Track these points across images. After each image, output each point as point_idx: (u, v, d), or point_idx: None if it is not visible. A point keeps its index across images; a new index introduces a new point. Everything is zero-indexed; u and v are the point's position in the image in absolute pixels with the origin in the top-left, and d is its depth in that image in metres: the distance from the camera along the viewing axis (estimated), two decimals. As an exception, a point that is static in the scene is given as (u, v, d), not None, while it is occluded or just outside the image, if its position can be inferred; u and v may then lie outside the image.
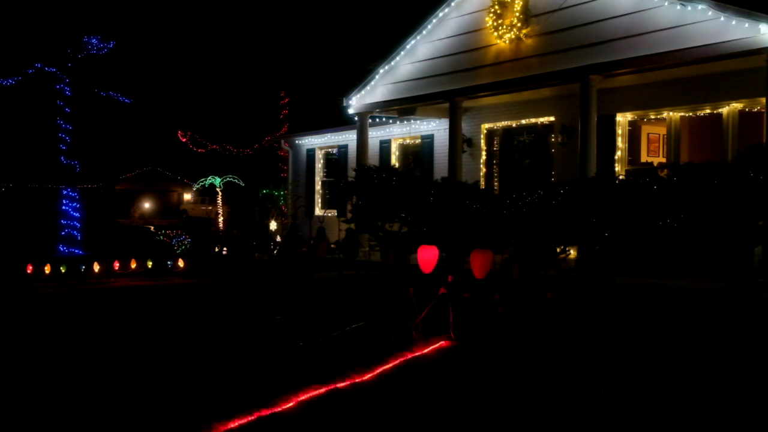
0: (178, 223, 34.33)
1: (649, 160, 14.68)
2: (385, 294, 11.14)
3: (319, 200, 21.72)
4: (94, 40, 20.74)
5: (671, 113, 12.91)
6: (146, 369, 7.62)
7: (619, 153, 13.67)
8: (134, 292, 13.87)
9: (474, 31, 13.89)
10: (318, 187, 21.77)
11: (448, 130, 15.42)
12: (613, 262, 9.59)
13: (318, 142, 21.73)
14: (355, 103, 16.42)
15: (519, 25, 12.85)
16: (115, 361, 8.01)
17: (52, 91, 21.00)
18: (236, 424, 5.86)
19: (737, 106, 12.22)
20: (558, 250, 10.32)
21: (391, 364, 7.78)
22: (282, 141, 23.52)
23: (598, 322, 8.85)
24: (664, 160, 14.06)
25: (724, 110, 12.34)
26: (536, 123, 15.34)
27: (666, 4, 10.82)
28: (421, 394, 6.76)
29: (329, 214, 20.53)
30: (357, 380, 7.15)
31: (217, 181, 25.82)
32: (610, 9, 11.66)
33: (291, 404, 6.36)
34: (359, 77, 16.73)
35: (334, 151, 21.23)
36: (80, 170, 21.37)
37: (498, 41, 13.31)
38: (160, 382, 7.06)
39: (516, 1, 12.87)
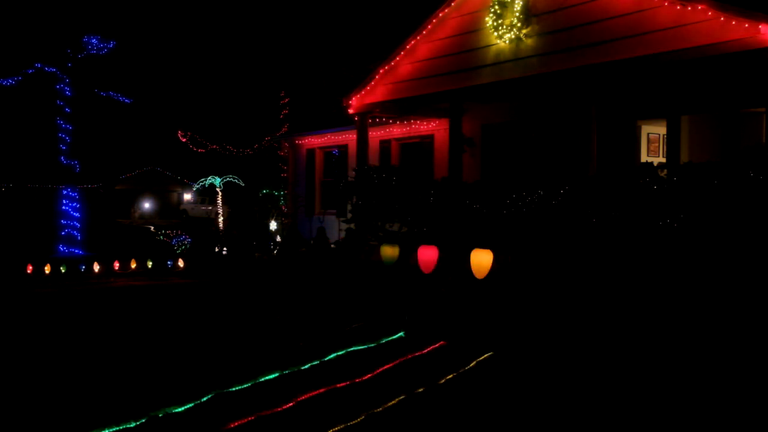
0: (178, 223, 34.33)
1: (649, 160, 14.66)
2: (384, 294, 11.14)
3: (319, 200, 21.71)
4: (94, 40, 20.74)
5: (671, 112, 12.89)
6: (145, 370, 7.62)
7: (619, 152, 13.65)
8: (134, 291, 13.88)
9: (474, 31, 13.87)
10: (318, 187, 21.77)
11: (448, 130, 15.41)
12: (613, 262, 9.59)
13: (318, 142, 21.72)
14: (355, 103, 16.41)
15: (519, 25, 12.83)
16: (115, 361, 8.01)
17: (52, 91, 21.00)
18: (236, 423, 5.87)
19: (737, 106, 12.21)
20: (557, 249, 10.32)
21: (391, 364, 7.78)
22: (282, 141, 23.51)
23: (596, 321, 8.84)
24: (664, 160, 14.05)
25: (723, 110, 12.33)
26: (538, 122, 15.33)
27: (666, 4, 10.80)
28: (419, 393, 6.76)
29: (329, 214, 20.52)
30: (356, 380, 7.16)
31: (217, 181, 25.81)
32: (610, 9, 11.65)
33: (291, 404, 6.36)
34: (359, 77, 16.71)
35: (334, 151, 21.23)
36: (80, 170, 21.38)
37: (498, 41, 13.29)
38: (159, 382, 7.06)
39: (516, 1, 12.86)
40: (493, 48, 13.48)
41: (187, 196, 55.99)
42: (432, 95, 14.91)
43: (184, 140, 28.41)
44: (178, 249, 20.24)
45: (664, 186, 9.34)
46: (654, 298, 8.80)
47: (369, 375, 7.33)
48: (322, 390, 6.74)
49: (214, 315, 11.09)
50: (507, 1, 13.07)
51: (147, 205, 54.97)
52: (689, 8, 10.46)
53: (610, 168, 13.02)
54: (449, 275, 9.77)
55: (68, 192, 21.11)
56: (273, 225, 22.74)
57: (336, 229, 19.08)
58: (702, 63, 10.59)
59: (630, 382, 7.12)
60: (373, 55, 17.49)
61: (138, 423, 5.86)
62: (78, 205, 21.22)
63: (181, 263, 18.05)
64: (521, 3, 12.81)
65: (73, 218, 21.03)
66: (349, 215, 15.10)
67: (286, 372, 7.34)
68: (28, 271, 16.15)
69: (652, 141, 14.55)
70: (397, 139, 18.96)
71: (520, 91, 13.86)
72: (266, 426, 5.88)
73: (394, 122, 18.23)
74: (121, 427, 5.78)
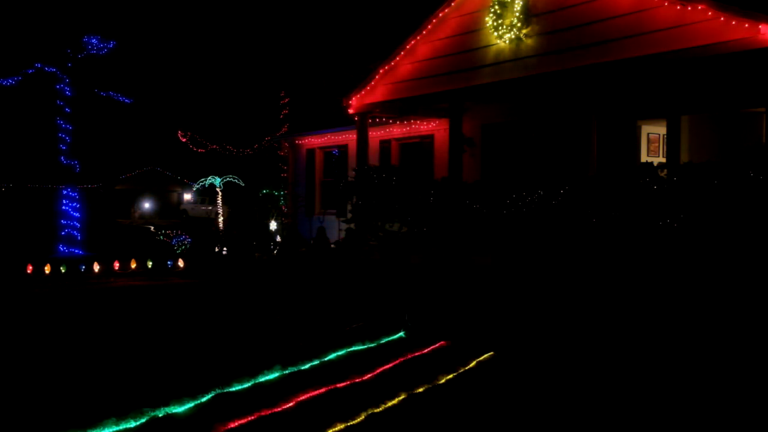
0: (178, 223, 34.35)
1: (649, 160, 14.67)
2: (384, 294, 11.14)
3: (319, 200, 21.72)
4: (94, 40, 20.73)
5: (671, 112, 12.89)
6: (145, 369, 7.62)
7: (619, 152, 13.66)
8: (134, 291, 13.87)
9: (474, 31, 13.88)
10: (318, 187, 21.77)
11: (448, 130, 15.41)
12: (613, 261, 9.59)
13: (318, 142, 21.73)
14: (355, 103, 16.41)
15: (519, 25, 12.83)
16: (115, 361, 8.01)
17: (52, 91, 21.00)
18: (236, 423, 5.86)
19: (737, 106, 12.22)
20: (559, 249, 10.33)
21: (391, 364, 7.78)
22: (282, 141, 23.51)
23: (597, 320, 8.85)
24: (664, 160, 14.05)
25: (723, 110, 12.34)
26: (538, 121, 15.33)
27: (666, 4, 10.81)
28: (419, 393, 6.76)
29: (329, 214, 20.52)
30: (357, 380, 7.15)
31: (217, 181, 25.82)
32: (610, 9, 11.66)
33: (291, 404, 6.36)
34: (359, 77, 16.72)
35: (334, 151, 21.23)
36: (80, 170, 21.37)
37: (498, 41, 13.30)
38: (159, 382, 7.05)
39: (516, 1, 12.87)
40: (493, 48, 13.48)
41: (187, 196, 56.02)
42: (432, 95, 14.91)
43: (184, 140, 28.45)
44: (178, 249, 20.24)
45: (664, 186, 9.34)
46: (654, 297, 8.81)
47: (369, 375, 7.33)
48: (322, 390, 6.73)
49: (214, 315, 11.09)
50: (507, 1, 13.07)
51: (147, 205, 54.97)
52: (689, 8, 10.46)
53: (610, 168, 13.04)
54: (449, 275, 9.78)
55: (68, 192, 21.10)
56: (273, 225, 22.74)
57: (336, 229, 19.08)
58: (702, 63, 10.59)
59: (630, 381, 7.12)
60: (373, 55, 17.49)
61: (138, 423, 5.86)
62: (78, 205, 21.21)
63: (181, 263, 18.05)
64: (521, 3, 12.81)
65: (73, 218, 21.03)
66: (349, 215, 15.10)
67: (286, 372, 7.34)
68: (28, 271, 16.14)
69: (652, 141, 14.55)
70: (397, 139, 18.96)
71: (520, 91, 13.87)
72: (266, 426, 5.88)
73: (394, 122, 18.23)
74: (121, 427, 5.78)
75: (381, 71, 15.75)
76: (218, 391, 6.62)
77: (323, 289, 13.18)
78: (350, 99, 16.45)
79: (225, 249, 19.81)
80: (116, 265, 17.10)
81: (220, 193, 26.18)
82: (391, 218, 13.69)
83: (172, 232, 21.67)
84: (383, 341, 8.88)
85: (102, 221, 34.30)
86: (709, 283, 8.79)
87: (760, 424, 6.03)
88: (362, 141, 16.60)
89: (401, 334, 9.28)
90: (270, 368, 7.27)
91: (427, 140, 17.98)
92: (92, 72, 21.52)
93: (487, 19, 13.43)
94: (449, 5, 14.29)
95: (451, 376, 7.35)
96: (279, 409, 6.21)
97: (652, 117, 13.68)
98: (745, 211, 8.61)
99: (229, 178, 26.12)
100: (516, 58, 13.11)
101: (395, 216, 13.56)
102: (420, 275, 10.07)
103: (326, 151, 21.72)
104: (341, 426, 5.83)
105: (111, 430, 5.73)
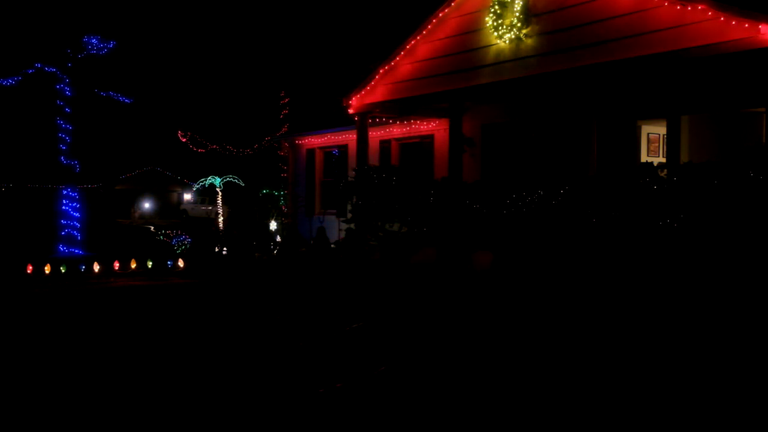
0: (178, 223, 34.35)
1: (649, 160, 14.66)
2: (384, 294, 11.14)
3: (319, 200, 21.71)
4: (94, 40, 20.72)
5: (671, 112, 12.89)
6: (145, 370, 7.62)
7: (619, 152, 13.65)
8: (134, 291, 13.87)
9: (474, 31, 13.88)
10: (318, 187, 21.77)
11: (448, 130, 15.41)
12: (613, 261, 9.60)
13: (318, 142, 21.73)
14: (355, 103, 16.41)
15: (519, 25, 12.83)
16: (115, 361, 8.01)
17: (52, 91, 20.98)
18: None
19: (737, 106, 12.21)
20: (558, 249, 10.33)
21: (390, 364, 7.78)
22: (282, 141, 23.50)
23: (597, 321, 8.85)
24: (664, 160, 14.05)
25: (723, 110, 12.32)
26: (538, 121, 15.33)
27: (666, 4, 10.81)
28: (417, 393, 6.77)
29: (329, 214, 20.52)
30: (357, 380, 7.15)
31: (217, 181, 25.82)
32: (610, 9, 11.66)
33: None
34: (359, 77, 16.71)
35: (334, 151, 21.23)
36: (80, 170, 21.35)
37: (498, 41, 13.30)
38: (159, 383, 7.06)
39: (516, 1, 12.87)
40: (493, 48, 13.48)
41: (187, 196, 56.04)
42: (432, 95, 14.91)
43: (184, 140, 28.44)
44: (178, 249, 20.23)
45: (664, 186, 9.35)
46: (654, 296, 8.81)
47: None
48: (321, 390, 6.74)
49: (214, 315, 11.09)
50: (507, 1, 13.07)
51: (147, 205, 54.98)
52: (689, 8, 10.46)
53: (610, 168, 13.03)
54: (448, 274, 9.78)
55: (68, 192, 21.09)
56: (273, 225, 22.75)
57: (336, 229, 19.08)
58: (702, 63, 10.59)
59: (629, 380, 7.12)
60: (373, 55, 17.49)
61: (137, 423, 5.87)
62: (78, 205, 21.20)
63: (181, 263, 18.05)
64: (521, 3, 12.80)
65: (73, 218, 21.02)
66: (349, 215, 15.11)
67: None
68: (28, 271, 16.14)
69: (652, 141, 14.55)
70: (397, 139, 18.96)
71: (520, 91, 13.87)
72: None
73: (394, 122, 18.23)
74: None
75: (381, 71, 15.75)
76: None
77: (323, 290, 13.18)
78: (350, 99, 16.45)
79: (225, 249, 19.80)
80: (116, 265, 17.10)
81: (220, 193, 26.18)
82: (391, 218, 13.70)
83: (172, 232, 21.66)
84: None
85: (102, 221, 34.31)
86: (709, 282, 8.79)
87: (760, 423, 6.02)
88: (362, 141, 16.60)
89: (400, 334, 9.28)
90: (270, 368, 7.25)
91: (427, 140, 17.98)
92: (92, 72, 21.50)
93: (487, 19, 13.43)
94: (449, 5, 14.28)
95: (450, 376, 7.34)
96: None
97: (652, 117, 13.68)
98: (745, 211, 8.61)
99: (229, 178, 26.12)
100: (516, 58, 13.10)
101: (395, 216, 13.57)
102: (420, 275, 10.09)
103: (326, 151, 21.71)
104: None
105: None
